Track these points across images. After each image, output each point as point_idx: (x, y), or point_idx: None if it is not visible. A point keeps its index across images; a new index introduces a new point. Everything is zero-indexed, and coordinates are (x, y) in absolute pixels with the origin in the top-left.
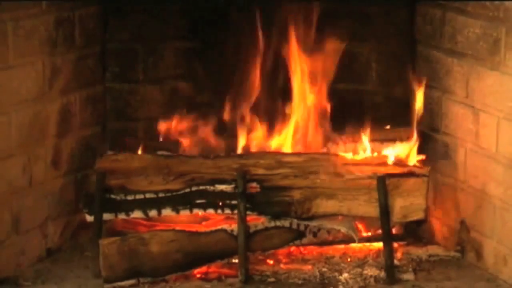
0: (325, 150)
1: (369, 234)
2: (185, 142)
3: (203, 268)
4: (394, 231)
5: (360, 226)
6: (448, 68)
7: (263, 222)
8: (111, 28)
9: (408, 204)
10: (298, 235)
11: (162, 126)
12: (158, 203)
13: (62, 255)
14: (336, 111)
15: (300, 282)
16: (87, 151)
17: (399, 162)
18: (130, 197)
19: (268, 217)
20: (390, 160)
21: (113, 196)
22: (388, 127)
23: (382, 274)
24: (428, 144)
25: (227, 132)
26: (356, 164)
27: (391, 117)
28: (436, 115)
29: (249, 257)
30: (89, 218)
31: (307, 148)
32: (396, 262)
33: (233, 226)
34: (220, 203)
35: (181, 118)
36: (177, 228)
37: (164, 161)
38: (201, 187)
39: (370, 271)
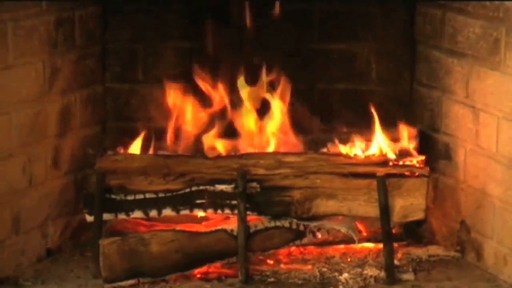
0: (325, 150)
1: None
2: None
3: (203, 268)
4: (394, 231)
5: (360, 226)
6: (448, 68)
7: (263, 222)
8: (111, 28)
9: (408, 204)
10: (298, 235)
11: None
12: (158, 203)
13: (62, 255)
14: (335, 111)
15: (300, 282)
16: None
17: (399, 162)
18: (130, 197)
19: (268, 217)
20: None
21: (113, 196)
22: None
23: (382, 274)
24: (428, 144)
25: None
26: (356, 164)
27: (391, 117)
28: (436, 115)
29: (249, 257)
30: (89, 218)
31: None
32: (396, 262)
33: (233, 226)
34: (220, 203)
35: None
36: (177, 228)
37: (164, 161)
38: (201, 187)
39: (370, 271)
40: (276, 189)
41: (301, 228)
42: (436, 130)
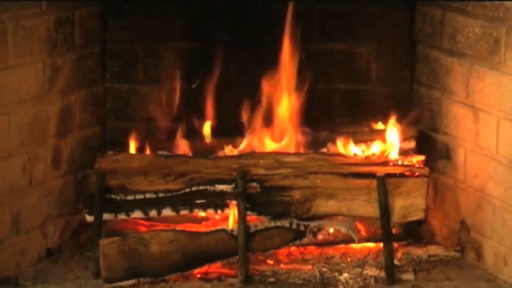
0: (325, 150)
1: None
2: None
3: (203, 268)
4: (394, 231)
5: (360, 226)
6: (448, 68)
7: (263, 222)
8: (111, 28)
9: (408, 204)
10: (298, 235)
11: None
12: (158, 203)
13: (62, 255)
14: (336, 110)
15: (300, 282)
16: (87, 151)
17: (398, 162)
18: (130, 197)
19: (268, 217)
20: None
21: (113, 196)
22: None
23: (382, 274)
24: (428, 144)
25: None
26: (356, 164)
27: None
28: (436, 115)
29: (249, 257)
30: (89, 218)
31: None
32: (396, 262)
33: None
34: (220, 203)
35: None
36: (177, 228)
37: (164, 161)
38: (201, 187)
39: (370, 271)
40: (276, 189)
41: (301, 228)
42: (436, 130)
